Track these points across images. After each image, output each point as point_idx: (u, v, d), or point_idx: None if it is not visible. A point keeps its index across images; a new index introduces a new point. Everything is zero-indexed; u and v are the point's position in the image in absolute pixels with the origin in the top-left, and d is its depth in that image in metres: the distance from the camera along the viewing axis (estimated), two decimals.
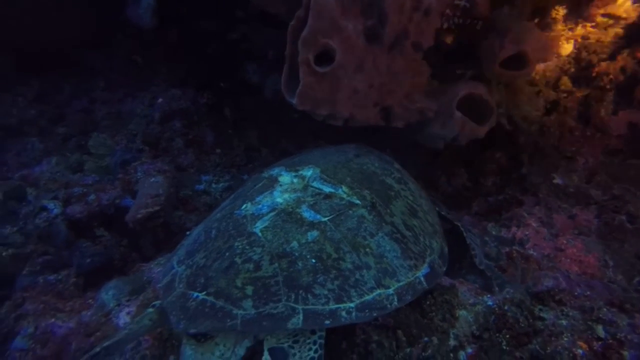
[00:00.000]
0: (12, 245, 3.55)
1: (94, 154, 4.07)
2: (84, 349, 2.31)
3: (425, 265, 1.97)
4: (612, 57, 2.94)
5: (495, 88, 2.80)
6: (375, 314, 1.76)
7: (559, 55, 2.91)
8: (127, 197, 3.60)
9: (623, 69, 2.94)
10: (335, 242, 1.85)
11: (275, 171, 2.21)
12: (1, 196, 3.97)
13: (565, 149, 3.09)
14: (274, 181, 2.12)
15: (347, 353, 1.96)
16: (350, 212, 1.97)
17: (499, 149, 3.34)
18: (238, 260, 1.78)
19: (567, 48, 2.86)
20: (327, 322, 1.68)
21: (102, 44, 5.24)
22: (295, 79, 2.35)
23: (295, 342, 1.71)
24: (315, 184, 2.08)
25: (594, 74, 3.02)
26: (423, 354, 1.77)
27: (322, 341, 1.74)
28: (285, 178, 2.13)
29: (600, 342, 1.55)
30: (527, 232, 2.71)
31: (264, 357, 1.67)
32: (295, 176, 2.13)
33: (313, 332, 1.74)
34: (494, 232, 2.80)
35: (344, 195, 2.04)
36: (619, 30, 2.75)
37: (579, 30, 2.64)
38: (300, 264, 1.77)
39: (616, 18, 2.57)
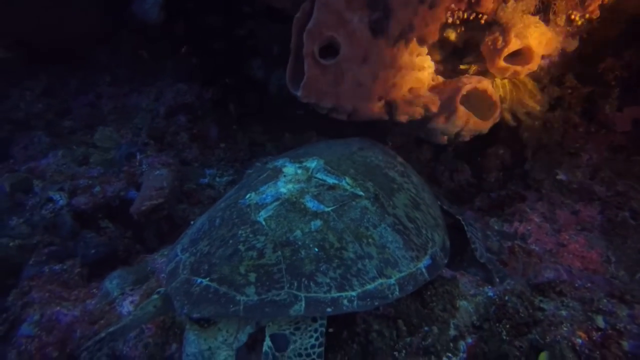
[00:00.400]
0: (19, 236, 3.60)
1: (99, 147, 4.11)
2: (88, 336, 2.34)
3: (427, 256, 1.99)
4: (617, 53, 2.94)
5: (499, 83, 2.80)
6: (376, 303, 1.77)
7: (564, 51, 2.90)
8: (131, 190, 3.64)
9: (628, 65, 2.93)
10: (338, 232, 1.87)
11: (279, 162, 2.23)
12: (8, 188, 4.02)
13: (569, 145, 3.09)
14: (278, 172, 2.14)
15: (347, 342, 1.98)
16: (354, 203, 1.99)
17: (502, 145, 3.34)
18: (242, 247, 1.80)
19: (572, 44, 2.85)
20: (329, 309, 1.70)
21: (109, 39, 5.28)
22: (300, 71, 2.37)
23: (297, 329, 1.73)
24: (319, 175, 2.10)
25: (599, 71, 3.01)
26: (423, 343, 1.78)
27: (323, 329, 1.76)
28: (290, 169, 2.15)
29: (599, 333, 1.55)
30: (529, 227, 2.71)
31: (265, 343, 1.69)
32: (300, 167, 2.15)
33: (314, 320, 1.76)
34: (496, 227, 2.81)
35: (348, 187, 2.05)
36: (625, 25, 2.74)
37: (585, 25, 2.64)
38: (303, 252, 1.79)
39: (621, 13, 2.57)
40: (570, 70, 3.07)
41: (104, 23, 5.16)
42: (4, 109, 5.50)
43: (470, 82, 2.64)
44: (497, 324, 1.74)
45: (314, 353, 1.68)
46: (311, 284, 1.73)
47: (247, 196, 2.03)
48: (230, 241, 1.83)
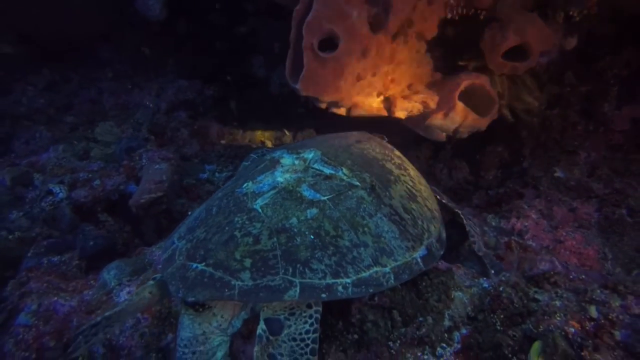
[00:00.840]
0: (18, 229, 3.62)
1: (100, 141, 4.13)
2: (84, 322, 2.35)
3: (423, 247, 1.99)
4: (616, 52, 2.95)
5: (497, 80, 2.82)
6: (371, 290, 1.78)
7: (563, 50, 2.92)
8: (131, 184, 3.66)
9: (627, 64, 2.94)
10: (334, 220, 1.88)
11: (277, 154, 2.24)
12: (9, 182, 4.04)
13: (567, 143, 3.10)
14: (275, 163, 2.15)
15: (343, 333, 1.98)
16: (350, 192, 2.00)
17: (501, 143, 3.35)
18: (238, 234, 1.81)
19: (571, 42, 2.87)
20: (323, 295, 1.70)
21: (111, 35, 5.33)
22: (300, 65, 2.39)
23: (292, 314, 1.73)
24: (316, 165, 2.11)
25: (598, 69, 3.03)
26: (417, 332, 1.78)
27: (319, 316, 1.76)
28: (287, 160, 2.16)
29: (593, 323, 1.55)
30: (526, 224, 2.72)
31: (259, 326, 1.69)
32: (297, 158, 2.16)
33: (309, 306, 1.76)
34: (493, 223, 2.81)
35: (344, 177, 2.06)
36: (624, 24, 2.75)
37: (583, 23, 2.66)
38: (298, 239, 1.80)
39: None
40: (569, 69, 3.09)
41: (106, 20, 5.21)
42: (7, 103, 5.54)
43: (469, 78, 2.65)
44: (492, 315, 1.74)
45: (308, 338, 1.68)
46: (306, 270, 1.73)
47: (245, 185, 2.04)
48: (227, 228, 1.84)
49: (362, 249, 1.85)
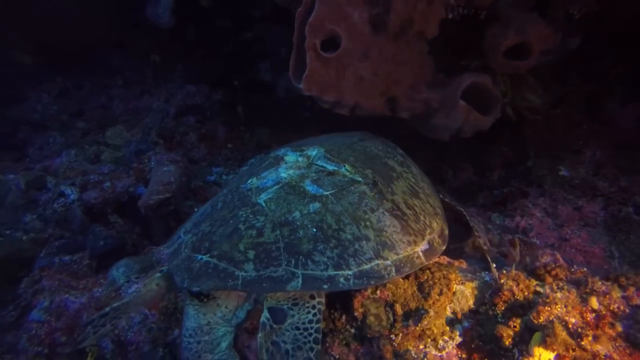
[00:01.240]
0: (32, 230, 3.71)
1: (110, 145, 4.23)
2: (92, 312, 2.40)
3: (425, 242, 2.01)
4: (619, 50, 2.96)
5: (500, 79, 2.84)
6: (373, 282, 1.81)
7: (565, 49, 2.93)
8: (140, 186, 3.73)
9: (631, 62, 2.94)
10: (336, 214, 1.91)
11: (281, 151, 2.29)
12: (24, 186, 4.15)
13: (572, 142, 3.10)
14: (279, 160, 2.20)
15: (346, 327, 1.99)
16: (352, 188, 2.03)
17: (505, 143, 3.36)
18: (242, 226, 1.85)
19: (573, 41, 2.89)
20: (325, 286, 1.73)
21: (122, 43, 5.47)
22: (303, 65, 2.44)
23: (295, 304, 1.76)
24: (319, 162, 2.15)
25: (601, 68, 3.03)
26: (419, 325, 1.79)
27: (322, 307, 1.79)
28: (291, 157, 2.20)
29: (594, 314, 1.56)
30: (531, 222, 2.72)
31: (263, 315, 1.72)
32: (301, 155, 2.21)
33: (312, 297, 1.79)
34: (497, 222, 2.82)
35: (347, 173, 2.10)
36: (626, 22, 2.76)
37: (585, 21, 2.67)
38: (301, 232, 1.83)
39: None
40: (572, 68, 3.09)
41: (118, 28, 5.35)
42: (23, 111, 5.71)
43: (471, 77, 2.68)
44: (493, 307, 1.75)
45: (311, 328, 1.71)
46: (308, 262, 1.77)
47: (249, 181, 2.09)
48: (231, 221, 1.89)
49: (363, 242, 1.87)
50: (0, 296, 3.14)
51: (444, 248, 2.09)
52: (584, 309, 1.58)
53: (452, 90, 2.75)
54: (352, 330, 1.97)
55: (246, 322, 2.10)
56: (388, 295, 1.93)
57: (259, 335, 1.66)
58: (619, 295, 1.58)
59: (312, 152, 2.20)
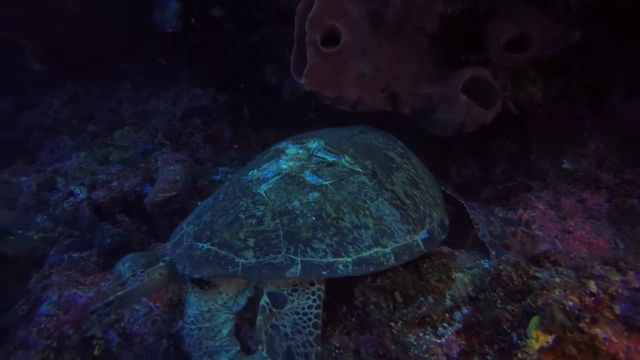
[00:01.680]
0: (43, 229, 3.80)
1: (118, 146, 4.31)
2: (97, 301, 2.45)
3: (424, 231, 2.03)
4: (621, 42, 2.95)
5: (500, 73, 2.85)
6: (371, 269, 1.82)
7: (567, 42, 2.93)
8: (147, 185, 3.81)
9: (633, 54, 2.93)
10: (335, 203, 1.94)
11: (282, 144, 2.33)
12: (35, 187, 4.25)
13: (575, 135, 3.08)
14: (280, 152, 2.24)
15: (346, 316, 2.01)
16: (352, 178, 2.06)
17: (508, 138, 3.36)
18: (242, 216, 1.88)
19: (574, 35, 2.89)
20: (324, 272, 1.75)
21: (130, 48, 5.58)
22: (304, 60, 2.48)
23: (295, 290, 1.79)
24: (319, 154, 2.18)
25: (603, 60, 3.02)
26: (418, 312, 1.80)
27: (321, 294, 1.81)
28: (292, 150, 2.24)
29: (592, 298, 1.55)
30: (533, 214, 2.71)
31: (262, 299, 1.74)
32: (301, 148, 2.24)
33: (312, 283, 1.81)
34: (500, 215, 2.81)
35: (347, 164, 2.13)
36: (626, 13, 2.76)
37: (586, 14, 2.67)
38: (300, 220, 1.86)
39: None
40: (574, 61, 3.09)
41: (126, 34, 5.47)
42: (35, 116, 5.85)
43: (471, 71, 2.69)
44: (492, 293, 1.75)
45: (311, 313, 1.73)
46: (308, 249, 1.79)
47: (250, 173, 2.13)
48: (232, 210, 1.92)
49: (362, 230, 1.90)
50: (12, 292, 3.22)
51: (444, 237, 2.10)
52: (582, 292, 1.57)
53: (453, 84, 2.76)
54: (353, 320, 1.99)
55: (249, 312, 2.13)
56: (388, 283, 1.94)
57: (258, 318, 1.68)
58: (617, 279, 1.57)
59: (313, 144, 2.24)
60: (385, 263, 1.84)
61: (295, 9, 3.41)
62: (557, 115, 3.13)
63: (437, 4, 2.46)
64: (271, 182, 2.01)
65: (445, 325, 1.79)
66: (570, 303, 1.54)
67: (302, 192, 1.95)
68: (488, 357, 1.64)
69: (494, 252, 1.92)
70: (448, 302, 1.84)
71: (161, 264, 1.99)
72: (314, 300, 1.76)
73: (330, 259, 1.78)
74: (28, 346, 2.72)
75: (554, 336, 1.51)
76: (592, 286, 1.58)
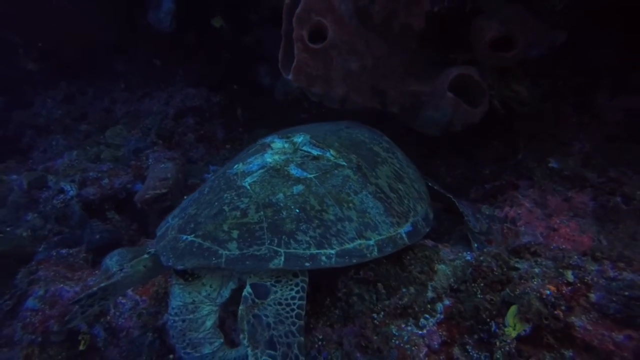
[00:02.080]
0: (32, 227, 3.79)
1: (110, 144, 4.32)
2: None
3: (408, 224, 2.05)
4: (607, 43, 2.99)
5: (487, 72, 2.88)
6: (355, 261, 1.84)
7: (553, 43, 2.98)
8: (138, 183, 3.80)
9: (619, 55, 2.98)
10: (319, 196, 1.95)
11: (268, 139, 2.35)
12: (26, 185, 4.25)
13: (561, 135, 3.12)
14: (266, 146, 2.26)
15: (330, 308, 2.02)
16: (336, 171, 2.08)
17: (496, 137, 3.39)
18: (226, 208, 1.90)
19: (560, 36, 2.93)
20: (307, 264, 1.77)
21: (125, 49, 5.60)
22: (292, 56, 2.51)
23: (278, 281, 1.79)
24: (305, 147, 2.20)
25: (589, 61, 3.07)
26: (400, 303, 1.82)
27: (305, 285, 1.82)
28: (277, 144, 2.26)
29: (569, 287, 1.57)
30: (519, 211, 2.73)
31: (245, 289, 1.75)
32: (287, 142, 2.26)
33: (295, 275, 1.82)
34: (487, 212, 2.83)
35: (331, 158, 2.15)
36: (613, 15, 2.80)
37: (571, 15, 2.72)
38: (284, 213, 1.87)
39: None
40: (561, 62, 3.13)
41: (121, 34, 5.49)
42: (28, 115, 5.85)
43: (458, 70, 2.73)
44: (473, 284, 1.77)
45: (294, 304, 1.74)
46: (291, 241, 1.81)
47: (235, 167, 2.14)
48: (216, 203, 1.94)
49: (346, 222, 1.91)
50: None
51: (428, 230, 2.12)
52: (559, 282, 1.60)
53: (440, 82, 2.80)
54: (336, 312, 2.00)
55: (233, 306, 2.14)
56: (370, 275, 1.95)
57: (240, 307, 1.69)
58: (593, 268, 1.60)
59: (298, 138, 2.26)
60: (369, 255, 1.86)
61: None
62: (544, 115, 3.17)
63: (423, 2, 2.50)
64: (256, 175, 2.03)
65: (427, 316, 1.80)
66: (547, 291, 1.56)
67: (286, 185, 1.97)
68: (468, 347, 1.66)
69: (476, 245, 1.93)
70: (430, 294, 1.85)
71: (145, 255, 1.99)
72: (297, 292, 1.77)
73: (314, 251, 1.80)
74: (13, 343, 2.70)
75: (531, 324, 1.53)
76: (569, 276, 1.60)
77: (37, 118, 5.77)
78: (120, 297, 2.46)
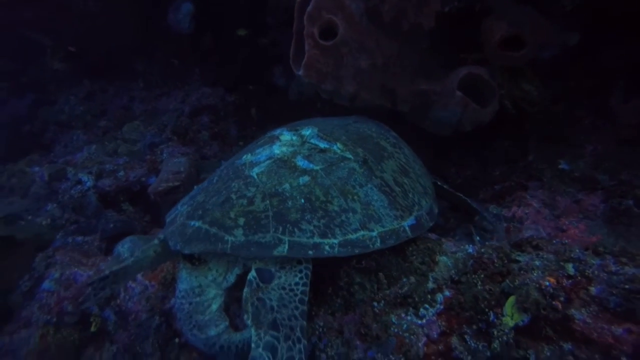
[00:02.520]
0: (51, 216, 3.93)
1: (127, 139, 4.45)
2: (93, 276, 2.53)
3: (412, 217, 2.07)
4: (620, 45, 2.97)
5: (497, 72, 2.89)
6: (357, 251, 1.87)
7: (565, 45, 2.98)
8: (152, 176, 3.91)
9: (632, 57, 2.95)
10: (324, 187, 2.00)
11: (277, 131, 2.41)
12: (47, 177, 4.41)
13: (573, 137, 3.10)
14: (274, 138, 2.31)
15: (332, 297, 2.05)
16: (342, 164, 2.12)
17: (506, 139, 3.39)
18: (233, 196, 1.96)
19: (573, 37, 2.93)
20: (310, 252, 1.81)
21: (145, 49, 5.77)
22: (303, 52, 2.57)
23: (282, 267, 1.84)
24: (312, 140, 2.25)
25: (602, 63, 3.05)
26: (400, 291, 1.84)
27: (309, 272, 1.86)
28: (286, 136, 2.32)
29: (570, 280, 1.57)
30: (527, 211, 2.73)
31: (250, 274, 1.79)
32: (295, 134, 2.31)
33: (300, 262, 1.86)
34: (495, 212, 2.83)
35: (338, 151, 2.19)
36: (625, 16, 2.79)
37: (584, 16, 2.72)
38: (290, 202, 1.92)
39: None
40: (573, 64, 3.12)
41: (142, 35, 5.66)
42: (52, 112, 6.07)
43: (468, 69, 2.75)
44: (474, 276, 1.78)
45: (297, 289, 1.78)
46: (295, 229, 1.85)
47: (244, 157, 2.21)
48: (224, 191, 2.00)
49: (350, 214, 1.95)
50: (18, 274, 3.33)
51: (431, 225, 2.14)
52: (559, 274, 1.60)
53: (450, 82, 2.82)
54: (338, 300, 2.03)
55: (238, 292, 2.18)
56: (373, 265, 1.98)
57: (245, 290, 1.73)
58: (595, 262, 1.59)
59: (306, 131, 2.31)
60: (371, 246, 1.88)
61: None
62: (556, 117, 3.15)
63: (433, 2, 2.53)
64: (263, 166, 2.08)
65: (427, 306, 1.82)
66: (547, 283, 1.57)
67: (292, 176, 2.02)
68: (466, 336, 1.67)
69: (478, 238, 1.94)
70: (430, 284, 1.87)
71: (155, 241, 2.06)
72: (301, 278, 1.81)
73: (317, 240, 1.84)
74: (30, 324, 2.81)
75: (529, 315, 1.53)
76: (570, 268, 1.61)
77: (60, 114, 5.97)
78: (130, 282, 2.54)
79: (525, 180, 3.11)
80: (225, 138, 4.77)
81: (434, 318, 1.78)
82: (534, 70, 3.03)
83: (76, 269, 2.84)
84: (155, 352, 2.39)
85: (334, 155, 2.16)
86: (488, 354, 1.59)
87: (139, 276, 2.52)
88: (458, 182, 3.68)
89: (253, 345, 1.59)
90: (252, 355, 1.57)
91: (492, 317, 1.61)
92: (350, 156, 2.17)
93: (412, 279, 1.85)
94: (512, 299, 1.59)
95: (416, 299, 1.83)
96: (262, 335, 1.62)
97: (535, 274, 1.61)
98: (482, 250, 1.82)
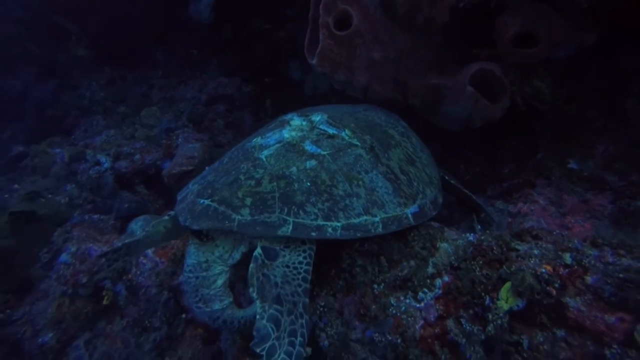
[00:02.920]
0: (70, 196, 4.08)
1: (145, 124, 4.58)
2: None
3: (415, 205, 2.11)
4: (636, 46, 2.95)
5: (510, 69, 2.90)
6: (359, 235, 1.92)
7: (581, 45, 2.97)
8: (167, 161, 4.03)
9: None
10: (330, 172, 2.05)
11: (288, 116, 2.47)
12: (67, 159, 4.57)
13: (584, 137, 3.09)
14: (285, 123, 2.38)
15: (334, 279, 2.12)
16: (349, 150, 2.17)
17: (516, 137, 3.39)
18: (242, 177, 2.03)
19: (589, 37, 2.92)
20: (313, 234, 1.87)
21: (165, 38, 5.90)
22: (317, 42, 2.63)
23: (287, 247, 1.91)
24: (321, 126, 2.31)
25: (617, 64, 3.03)
26: (400, 274, 1.89)
27: (312, 253, 1.92)
28: (296, 121, 2.38)
29: (567, 269, 1.60)
30: (532, 207, 2.74)
31: (256, 251, 1.86)
32: (305, 120, 2.38)
33: (304, 242, 1.93)
34: (500, 207, 2.85)
35: (346, 137, 2.25)
36: None
37: (597, 15, 2.71)
38: (296, 185, 1.99)
39: None
40: (589, 64, 3.11)
41: (164, 24, 5.79)
42: (74, 96, 6.26)
43: (479, 64, 2.77)
44: (472, 262, 1.82)
45: (301, 268, 1.84)
46: (300, 211, 1.91)
47: (254, 140, 2.28)
48: (233, 172, 2.07)
49: (354, 199, 2.00)
50: (38, 247, 3.49)
51: (434, 214, 2.17)
52: (556, 263, 1.63)
53: (461, 76, 2.84)
54: (340, 282, 2.09)
55: (243, 271, 2.26)
56: (375, 248, 2.04)
57: (251, 265, 1.80)
58: (592, 253, 1.62)
59: (316, 117, 2.37)
60: (373, 231, 1.94)
61: None
62: (567, 116, 3.14)
63: None
64: (272, 149, 2.15)
65: (426, 290, 1.87)
66: (543, 270, 1.60)
67: (300, 160, 2.08)
68: (462, 320, 1.71)
69: (479, 226, 1.98)
70: (430, 269, 1.91)
71: (165, 217, 2.15)
72: (305, 257, 1.88)
73: (321, 222, 1.90)
74: (47, 297, 2.95)
75: (524, 300, 1.57)
76: (567, 258, 1.64)
77: (81, 100, 6.15)
78: (141, 258, 2.64)
79: (533, 177, 3.11)
80: (239, 127, 4.87)
81: (432, 302, 1.82)
82: (548, 69, 3.03)
83: (91, 245, 2.97)
84: (163, 326, 2.49)
85: (342, 141, 2.21)
86: (482, 337, 1.63)
87: (150, 252, 2.63)
88: (467, 178, 3.70)
89: (258, 316, 1.66)
90: (257, 326, 1.64)
91: (487, 301, 1.65)
92: (357, 143, 2.22)
93: (413, 263, 1.89)
94: (508, 284, 1.63)
95: (415, 282, 1.88)
96: (266, 308, 1.69)
97: (532, 262, 1.64)
98: (482, 238, 1.85)
